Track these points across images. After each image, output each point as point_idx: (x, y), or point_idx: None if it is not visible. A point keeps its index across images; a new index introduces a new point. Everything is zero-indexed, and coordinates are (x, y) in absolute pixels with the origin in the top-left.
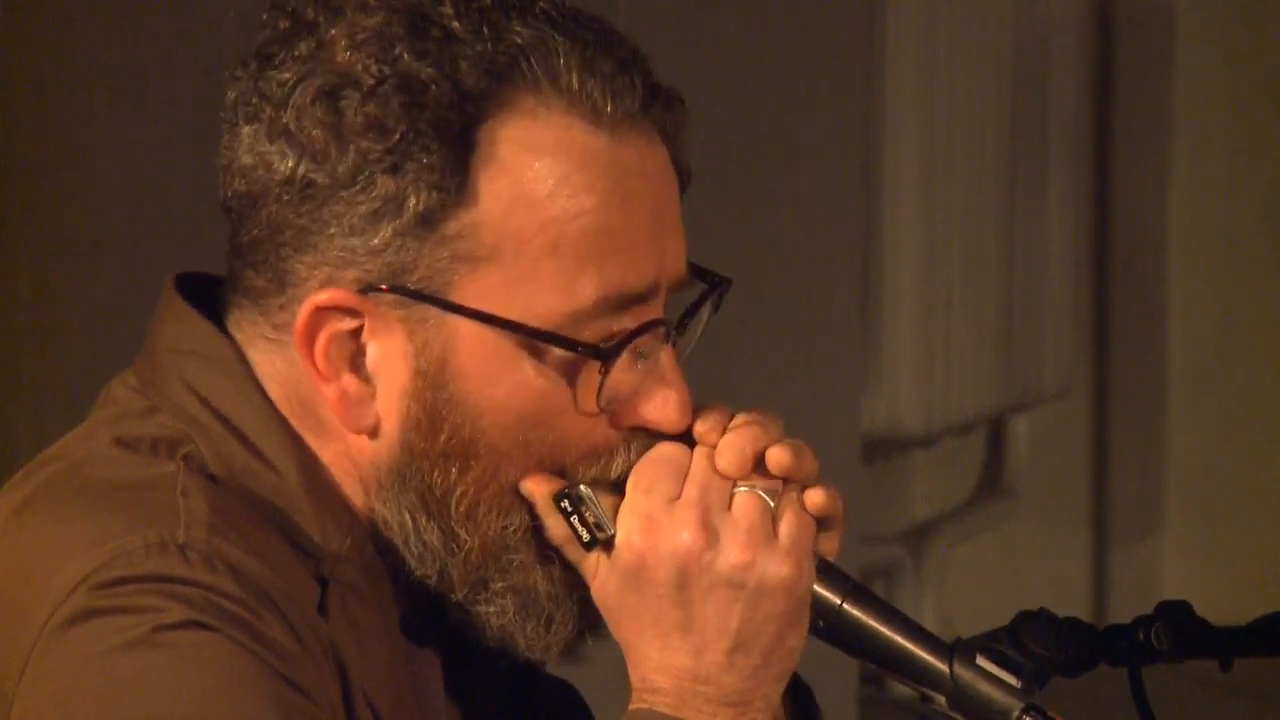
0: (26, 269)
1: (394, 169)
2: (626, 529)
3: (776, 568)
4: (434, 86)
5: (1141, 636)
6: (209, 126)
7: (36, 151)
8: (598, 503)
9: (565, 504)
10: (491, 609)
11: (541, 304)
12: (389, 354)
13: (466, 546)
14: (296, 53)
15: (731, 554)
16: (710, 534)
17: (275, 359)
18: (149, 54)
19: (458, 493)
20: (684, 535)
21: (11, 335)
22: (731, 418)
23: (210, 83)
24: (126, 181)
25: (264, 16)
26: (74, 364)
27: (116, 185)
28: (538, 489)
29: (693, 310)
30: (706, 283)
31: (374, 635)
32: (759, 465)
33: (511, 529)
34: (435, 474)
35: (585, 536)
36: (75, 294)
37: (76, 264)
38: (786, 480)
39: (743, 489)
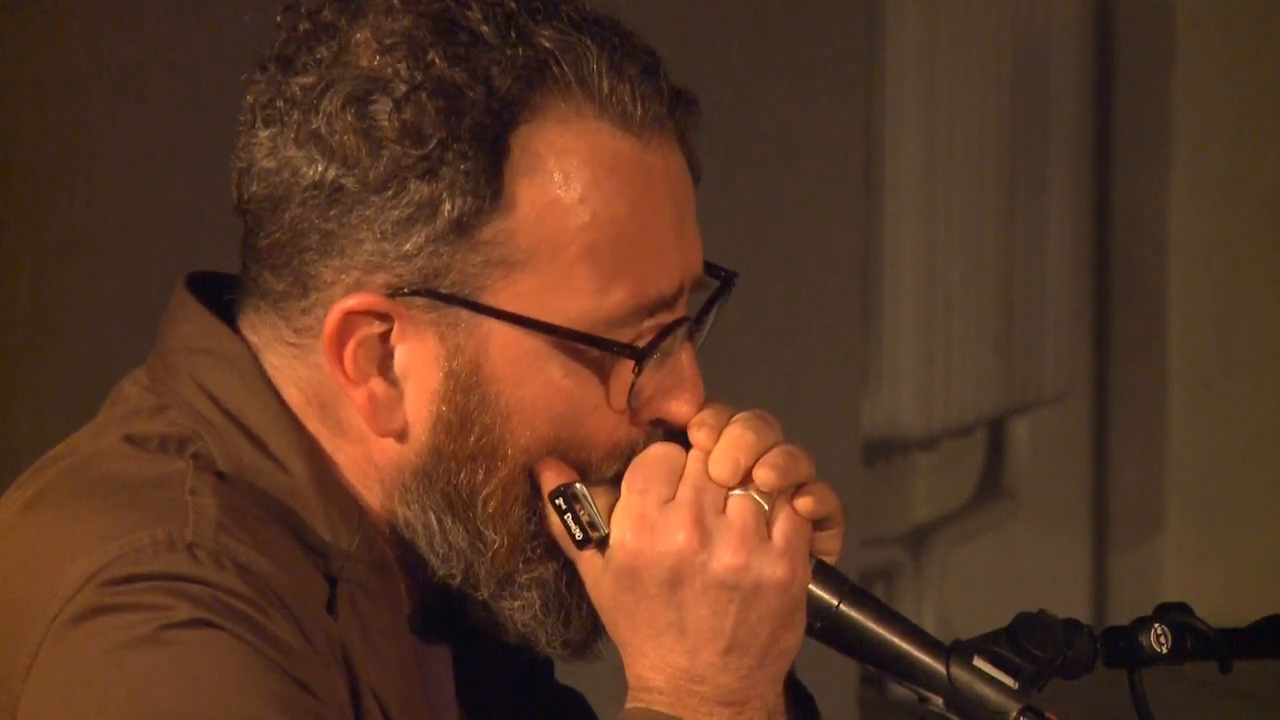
0: (26, 269)
1: (429, 175)
2: (620, 529)
3: (770, 569)
4: (469, 92)
5: (1141, 638)
6: (209, 127)
7: (36, 152)
8: (592, 502)
9: (559, 501)
10: (517, 603)
11: (574, 307)
12: (419, 357)
13: (495, 545)
14: (318, 56)
15: (725, 555)
16: (704, 535)
17: (295, 363)
18: (149, 54)
19: (485, 493)
20: (678, 537)
21: (11, 336)
22: (730, 417)
23: (210, 83)
24: (126, 182)
25: (279, 19)
26: (74, 364)
27: (116, 186)
28: (545, 479)
29: (709, 306)
30: (717, 278)
31: (383, 634)
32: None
33: (530, 515)
34: (462, 475)
35: (578, 535)
36: (75, 294)
37: (76, 264)
38: None
39: (737, 491)
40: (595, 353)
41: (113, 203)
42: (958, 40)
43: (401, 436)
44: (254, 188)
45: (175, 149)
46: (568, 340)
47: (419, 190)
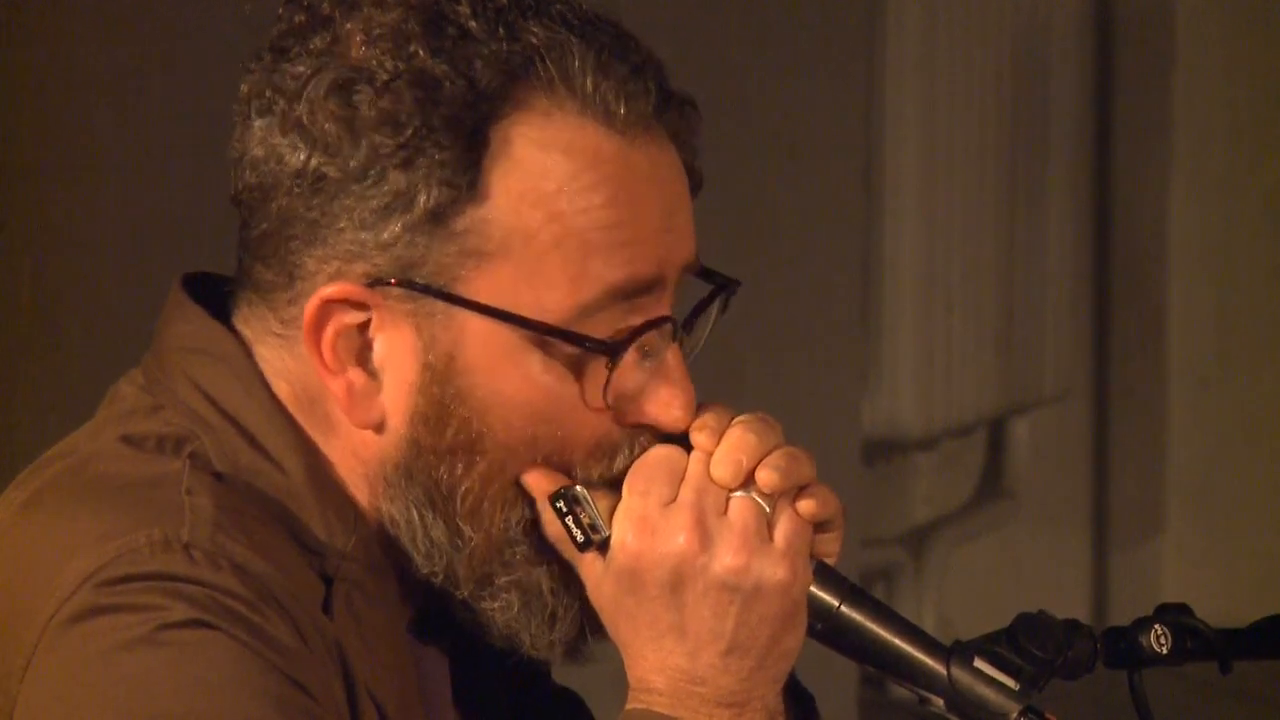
0: (26, 270)
1: (406, 164)
2: (621, 531)
3: (771, 570)
4: (448, 84)
5: (1141, 639)
6: (209, 127)
7: (36, 152)
8: (593, 503)
9: (560, 504)
10: (496, 604)
11: (550, 299)
12: (396, 348)
13: (472, 542)
14: (311, 46)
15: (726, 557)
16: (705, 537)
17: (284, 355)
18: (149, 54)
19: (463, 488)
20: (679, 538)
21: (12, 335)
22: (731, 419)
23: (210, 83)
24: (126, 182)
25: (279, 10)
26: (74, 364)
27: (116, 186)
28: (537, 484)
29: (699, 310)
30: (713, 284)
31: (379, 633)
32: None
33: (514, 521)
34: (441, 469)
35: (579, 537)
36: (75, 294)
37: (76, 264)
38: None
39: (739, 493)
40: (571, 348)
41: (113, 203)
42: (958, 40)
43: (380, 428)
44: (247, 177)
45: (175, 149)
46: (539, 334)
47: (396, 179)
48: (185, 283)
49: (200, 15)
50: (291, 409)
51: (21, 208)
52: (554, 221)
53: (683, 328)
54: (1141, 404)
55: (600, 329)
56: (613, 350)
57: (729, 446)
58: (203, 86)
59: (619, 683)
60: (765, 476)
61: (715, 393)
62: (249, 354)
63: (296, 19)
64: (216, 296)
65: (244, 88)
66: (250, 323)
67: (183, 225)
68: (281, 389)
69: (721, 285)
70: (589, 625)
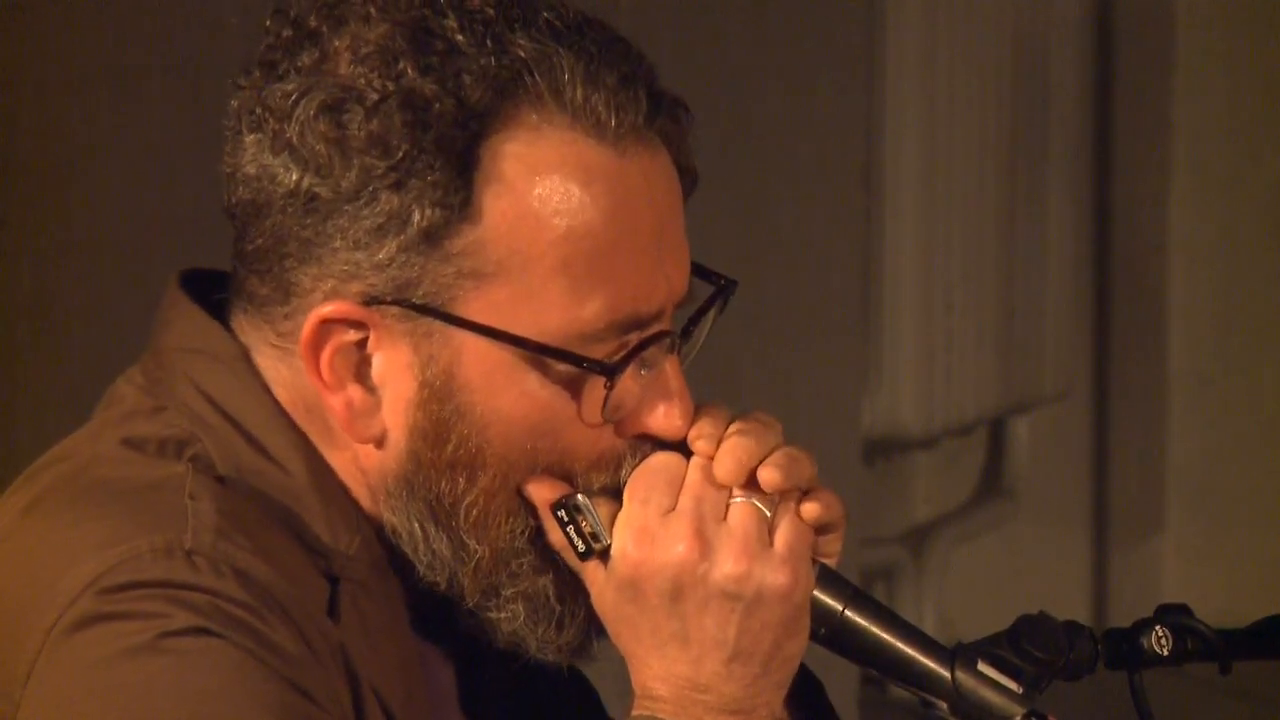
0: (26, 269)
1: (397, 185)
2: (622, 540)
3: (773, 577)
4: (437, 103)
5: (1142, 640)
6: (209, 127)
7: (37, 152)
8: (594, 512)
9: (561, 513)
10: (502, 615)
11: (549, 320)
12: (394, 365)
13: (477, 555)
14: (299, 63)
15: (726, 564)
16: (705, 545)
17: (280, 366)
18: (149, 54)
19: (466, 502)
20: (679, 547)
21: (12, 335)
22: (729, 422)
23: (210, 83)
24: (127, 182)
25: (266, 24)
26: (74, 364)
27: (117, 185)
28: (539, 493)
29: (697, 317)
30: (711, 284)
31: (384, 633)
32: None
33: (519, 531)
34: (443, 484)
35: (580, 546)
36: (75, 294)
37: (76, 264)
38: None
39: (739, 499)
40: (569, 366)
41: (113, 203)
42: (958, 40)
43: (380, 443)
44: (239, 193)
45: (175, 149)
46: (537, 354)
47: (389, 200)
48: (182, 280)
49: (200, 16)
50: (292, 415)
51: (22, 208)
52: (555, 247)
53: (680, 335)
54: (1142, 403)
55: (598, 348)
56: (611, 370)
57: (728, 449)
58: (203, 87)
59: (620, 680)
60: (767, 475)
61: (715, 394)
62: (248, 357)
63: (284, 34)
64: (213, 296)
65: (234, 103)
66: (247, 331)
67: (183, 225)
68: (281, 395)
69: (720, 288)
70: (595, 628)
